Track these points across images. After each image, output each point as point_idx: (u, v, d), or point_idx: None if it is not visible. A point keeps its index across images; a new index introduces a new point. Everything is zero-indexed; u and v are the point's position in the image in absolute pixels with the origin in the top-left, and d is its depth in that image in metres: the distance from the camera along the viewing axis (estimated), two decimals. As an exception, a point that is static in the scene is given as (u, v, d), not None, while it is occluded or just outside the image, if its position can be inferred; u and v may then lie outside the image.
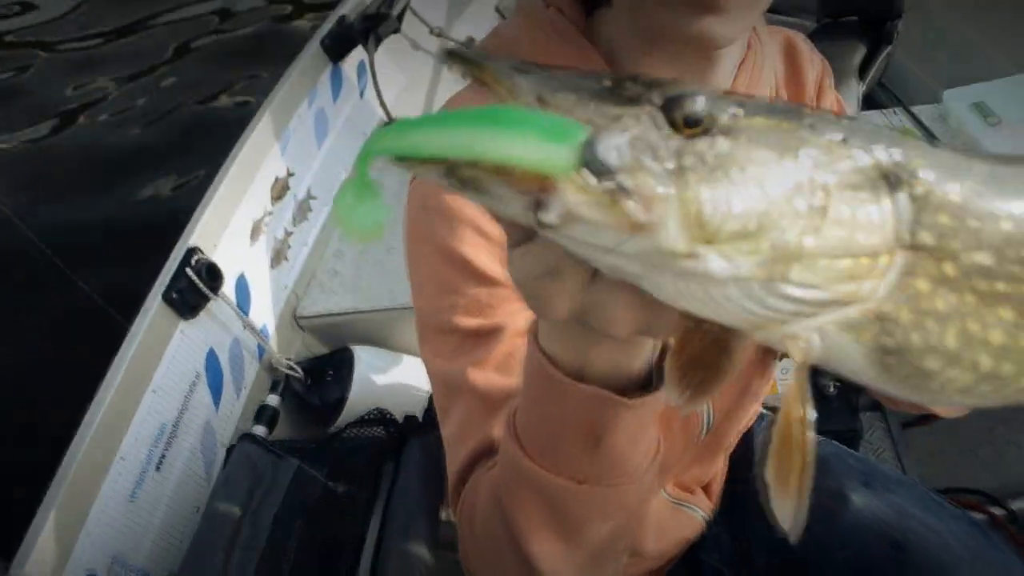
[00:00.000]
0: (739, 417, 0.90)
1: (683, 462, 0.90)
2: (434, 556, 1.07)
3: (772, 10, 0.65)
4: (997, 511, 1.38)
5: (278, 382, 1.55)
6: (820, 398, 1.41)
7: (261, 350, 1.54)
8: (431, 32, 2.15)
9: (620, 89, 0.33)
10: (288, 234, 1.71)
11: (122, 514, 1.15)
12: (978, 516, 1.31)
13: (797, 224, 0.32)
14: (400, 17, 2.00)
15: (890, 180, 0.34)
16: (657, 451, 0.55)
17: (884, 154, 0.34)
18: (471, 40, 2.25)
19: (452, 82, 2.32)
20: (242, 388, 1.49)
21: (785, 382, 1.36)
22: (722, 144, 0.33)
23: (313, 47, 1.91)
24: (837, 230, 0.33)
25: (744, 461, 1.04)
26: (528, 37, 0.72)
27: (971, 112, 1.74)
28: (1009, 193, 0.35)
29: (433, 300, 0.70)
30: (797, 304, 0.33)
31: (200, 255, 1.37)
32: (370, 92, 2.01)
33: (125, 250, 2.37)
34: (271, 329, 1.58)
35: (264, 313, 1.57)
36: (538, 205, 0.31)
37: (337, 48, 1.95)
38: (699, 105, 0.33)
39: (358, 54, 2.00)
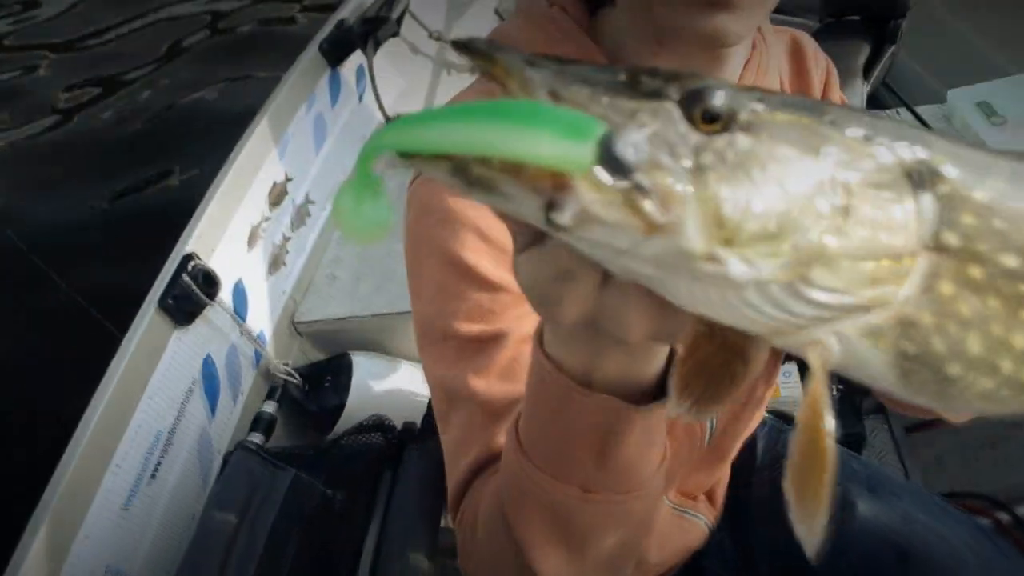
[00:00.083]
0: (743, 423, 0.89)
1: (686, 469, 0.89)
2: (433, 564, 1.06)
3: (776, 10, 0.65)
4: (1002, 516, 1.37)
5: (275, 389, 1.54)
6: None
7: (258, 356, 1.53)
8: (430, 36, 2.15)
9: (636, 83, 0.32)
10: (286, 239, 1.69)
11: (116, 523, 1.14)
12: (983, 521, 1.30)
13: (819, 225, 0.31)
14: (399, 21, 2.00)
15: (913, 179, 0.33)
16: (664, 457, 0.53)
17: (908, 151, 0.33)
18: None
19: (451, 86, 2.32)
20: (239, 395, 1.47)
21: (788, 386, 1.35)
22: (743, 141, 0.31)
23: (311, 51, 1.90)
24: (860, 231, 0.31)
25: (747, 467, 1.03)
26: (528, 37, 0.71)
27: (975, 112, 1.73)
28: None
29: (433, 305, 0.69)
30: (819, 308, 0.32)
31: (197, 261, 1.36)
32: (369, 96, 2.00)
33: (121, 250, 2.37)
34: (268, 335, 1.57)
35: (261, 319, 1.56)
36: (551, 206, 0.30)
37: (336, 52, 1.94)
38: (719, 100, 0.31)
39: (357, 58, 1.99)
